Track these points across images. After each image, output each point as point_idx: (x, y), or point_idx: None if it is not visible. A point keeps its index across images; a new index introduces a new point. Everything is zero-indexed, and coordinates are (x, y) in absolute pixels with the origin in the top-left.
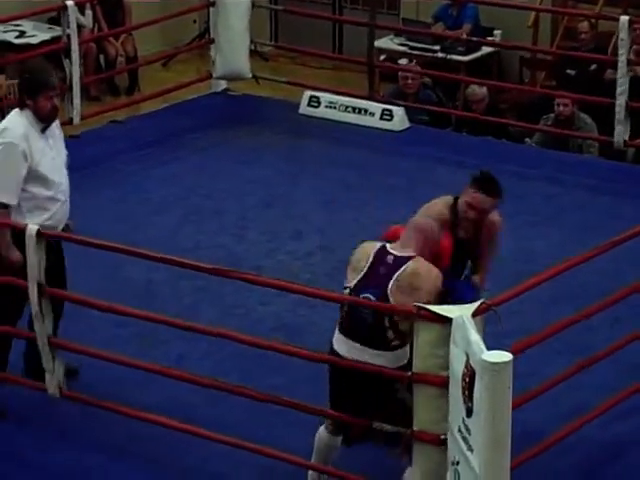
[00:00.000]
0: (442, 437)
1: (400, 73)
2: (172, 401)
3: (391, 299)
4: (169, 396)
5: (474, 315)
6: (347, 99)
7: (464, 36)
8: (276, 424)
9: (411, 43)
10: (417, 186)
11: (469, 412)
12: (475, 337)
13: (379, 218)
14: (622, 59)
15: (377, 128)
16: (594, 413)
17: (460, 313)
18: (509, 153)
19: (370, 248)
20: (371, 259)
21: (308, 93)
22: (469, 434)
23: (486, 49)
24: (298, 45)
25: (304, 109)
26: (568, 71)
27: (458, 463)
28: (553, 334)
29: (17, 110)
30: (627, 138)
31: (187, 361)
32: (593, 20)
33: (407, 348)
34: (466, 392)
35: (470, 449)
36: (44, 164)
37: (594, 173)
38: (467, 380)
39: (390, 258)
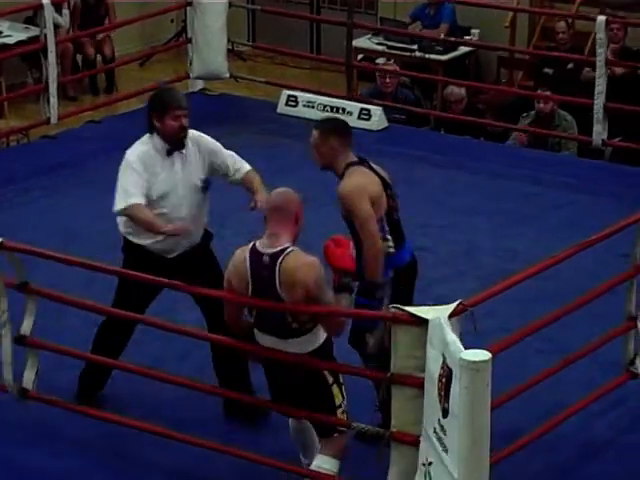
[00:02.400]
0: (420, 438)
1: (378, 73)
2: (148, 402)
3: (285, 298)
4: (145, 397)
5: (451, 316)
6: (325, 98)
7: (442, 36)
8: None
9: (389, 42)
10: (395, 185)
11: (445, 413)
12: (452, 337)
13: None
14: (600, 59)
15: (355, 127)
16: (573, 410)
17: (437, 314)
18: (488, 152)
19: (242, 255)
20: (248, 266)
21: (286, 92)
22: (445, 434)
23: (464, 48)
24: (276, 45)
25: (282, 108)
26: (546, 70)
27: (430, 464)
28: (532, 332)
29: (146, 136)
30: (605, 137)
31: (164, 362)
32: (570, 20)
33: (317, 331)
34: (442, 393)
35: (445, 450)
36: (157, 189)
37: (573, 172)
38: (443, 381)
39: (266, 259)
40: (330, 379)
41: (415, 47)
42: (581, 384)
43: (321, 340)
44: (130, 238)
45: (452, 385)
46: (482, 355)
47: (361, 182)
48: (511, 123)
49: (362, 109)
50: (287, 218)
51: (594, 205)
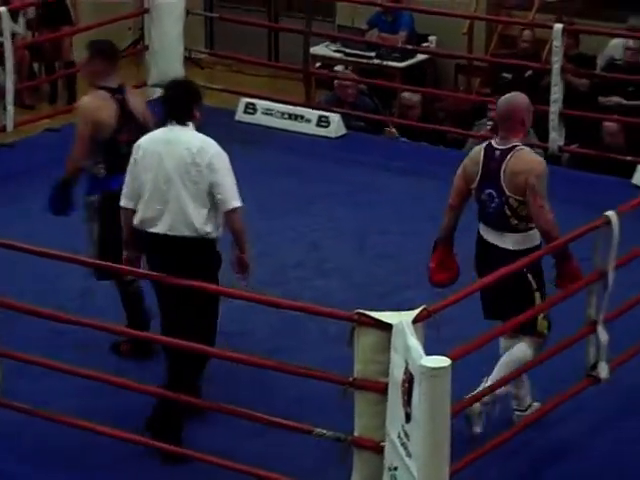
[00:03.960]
0: (382, 444)
1: (336, 81)
2: (109, 410)
3: (506, 189)
4: (106, 405)
5: (415, 322)
6: (283, 106)
7: (399, 43)
8: (220, 432)
9: (347, 50)
10: (355, 192)
11: (408, 418)
12: (414, 343)
13: (318, 225)
14: (556, 66)
15: (314, 135)
16: (534, 416)
17: (400, 319)
18: (447, 159)
19: (480, 147)
20: (482, 156)
21: (244, 100)
22: (408, 440)
23: (421, 55)
24: (234, 52)
25: (240, 116)
26: (504, 74)
27: (396, 469)
28: (494, 338)
29: (190, 127)
30: (562, 144)
31: (125, 370)
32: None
33: (533, 232)
34: (405, 398)
35: (409, 455)
36: None
37: None
38: (406, 386)
39: (497, 153)
40: (534, 285)
41: (373, 54)
42: (542, 390)
43: (535, 242)
44: (210, 237)
45: (413, 390)
46: (442, 361)
47: (90, 104)
48: (469, 130)
49: (321, 116)
50: (513, 125)
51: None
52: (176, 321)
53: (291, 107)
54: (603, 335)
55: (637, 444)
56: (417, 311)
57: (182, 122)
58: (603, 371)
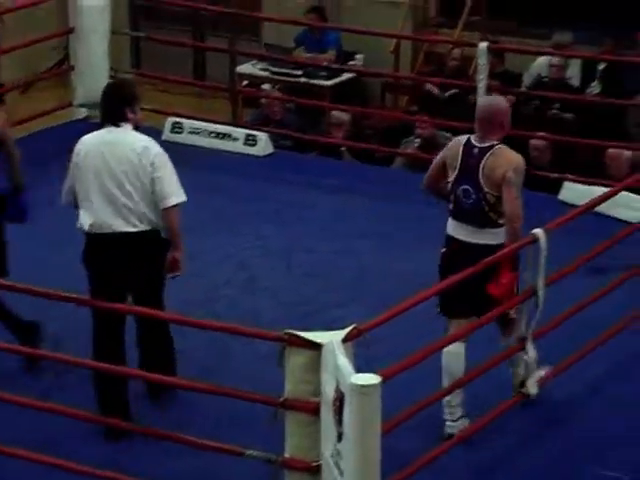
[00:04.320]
0: (313, 464)
1: (263, 100)
2: (39, 434)
3: (484, 186)
4: (35, 430)
5: (345, 340)
6: (211, 125)
7: (327, 62)
8: (150, 452)
9: (273, 68)
10: (283, 210)
11: (340, 437)
12: (344, 362)
13: (247, 243)
14: (481, 85)
15: (241, 153)
16: (465, 433)
17: (330, 339)
18: (375, 176)
19: (459, 142)
20: (461, 151)
21: (171, 120)
22: (340, 459)
23: (349, 73)
24: (161, 72)
25: (167, 135)
26: (429, 87)
27: None
28: (426, 356)
29: (129, 127)
30: None
31: (56, 393)
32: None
33: None
34: (337, 417)
35: (341, 473)
36: None
37: None
38: (337, 405)
39: (475, 151)
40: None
41: (300, 73)
42: (473, 406)
43: None
44: (160, 227)
45: (344, 409)
46: (372, 379)
47: None
48: (397, 147)
49: (248, 135)
50: (493, 127)
51: None
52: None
53: (219, 126)
54: (532, 352)
55: (563, 459)
56: (347, 330)
57: (116, 124)
58: (532, 387)
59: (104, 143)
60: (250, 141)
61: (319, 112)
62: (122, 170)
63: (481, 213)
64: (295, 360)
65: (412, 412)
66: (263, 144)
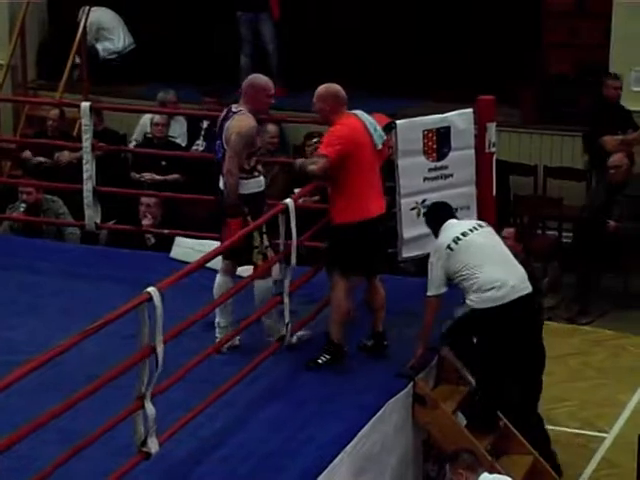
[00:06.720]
0: None
1: None
2: None
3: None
4: None
5: None
6: None
7: None
8: None
9: None
10: None
11: None
12: None
13: None
14: (87, 144)
15: None
16: None
17: None
18: None
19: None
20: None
21: None
22: None
23: None
24: None
25: None
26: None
27: None
28: (42, 425)
29: None
30: (99, 221)
31: None
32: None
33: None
34: None
35: None
36: None
37: (70, 259)
38: None
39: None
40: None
41: None
42: (93, 473)
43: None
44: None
45: None
46: None
47: None
48: (2, 214)
49: None
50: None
51: (93, 291)
52: None
53: None
54: (150, 409)
55: None
56: None
57: None
58: (153, 445)
59: None
60: None
61: None
62: None
63: None
64: None
65: None
66: None
